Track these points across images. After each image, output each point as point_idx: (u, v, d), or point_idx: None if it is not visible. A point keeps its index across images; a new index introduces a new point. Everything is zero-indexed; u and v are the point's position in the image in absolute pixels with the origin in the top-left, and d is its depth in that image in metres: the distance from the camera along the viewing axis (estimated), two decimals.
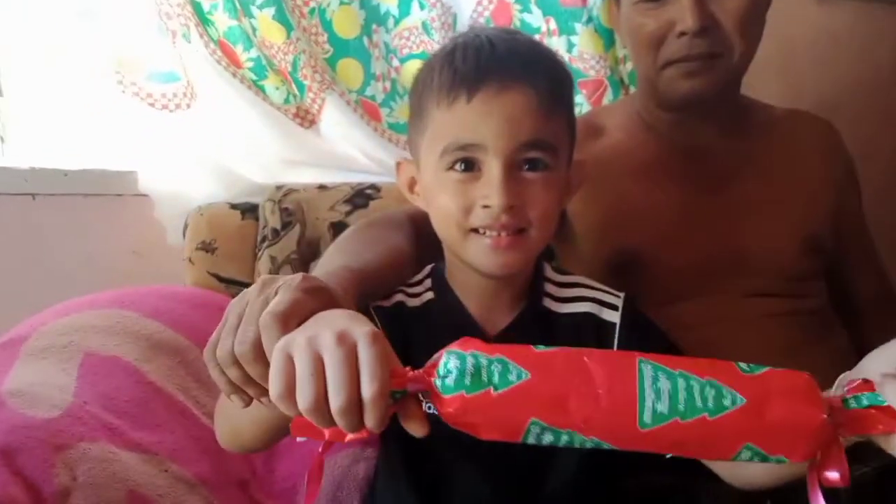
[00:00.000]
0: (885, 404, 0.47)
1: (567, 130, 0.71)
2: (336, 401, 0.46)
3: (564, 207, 0.76)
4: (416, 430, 0.50)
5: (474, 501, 0.72)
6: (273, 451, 0.90)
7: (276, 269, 1.12)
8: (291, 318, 0.52)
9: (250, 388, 0.54)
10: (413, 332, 0.71)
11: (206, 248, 1.15)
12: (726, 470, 0.69)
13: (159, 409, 0.84)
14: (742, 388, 0.48)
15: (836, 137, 1.04)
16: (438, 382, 0.49)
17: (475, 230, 0.67)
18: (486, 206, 0.65)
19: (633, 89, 1.30)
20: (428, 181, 0.70)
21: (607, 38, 1.27)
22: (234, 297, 1.16)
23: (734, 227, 0.93)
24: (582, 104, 1.28)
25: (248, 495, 0.85)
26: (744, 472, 0.68)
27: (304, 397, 0.47)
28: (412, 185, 0.75)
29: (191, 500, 0.76)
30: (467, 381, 0.48)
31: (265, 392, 0.53)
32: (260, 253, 1.15)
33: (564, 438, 0.48)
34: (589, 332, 0.73)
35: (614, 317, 0.74)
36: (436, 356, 0.51)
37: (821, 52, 1.45)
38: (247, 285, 1.11)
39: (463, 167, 0.66)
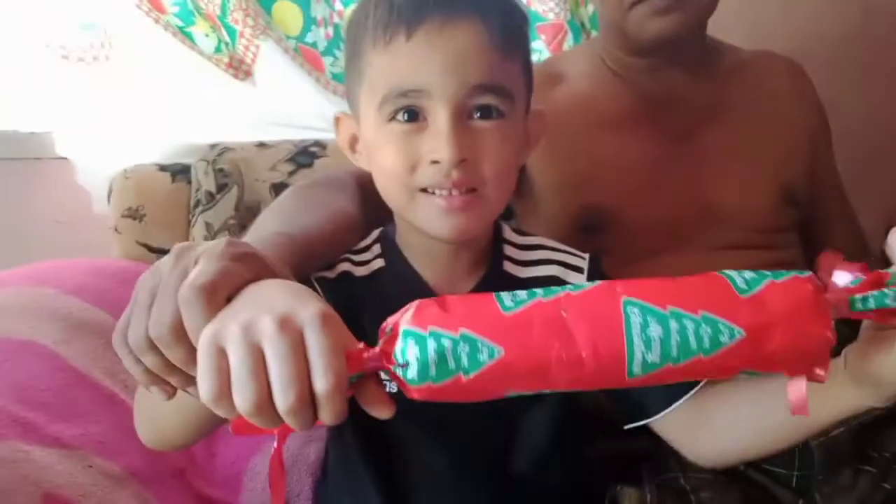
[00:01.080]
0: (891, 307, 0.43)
1: (523, 75, 0.63)
2: (283, 401, 0.39)
3: (523, 163, 0.69)
4: (381, 412, 0.43)
5: (439, 485, 0.67)
6: (213, 437, 0.83)
7: (212, 237, 1.03)
8: (219, 291, 0.43)
9: (172, 376, 0.46)
10: (362, 305, 0.63)
11: (134, 215, 1.05)
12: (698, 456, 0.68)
13: (82, 398, 0.76)
14: (739, 317, 0.42)
15: (807, 80, 1.00)
16: (400, 372, 0.42)
17: (424, 190, 0.59)
18: (434, 162, 0.57)
19: (594, 34, 1.23)
20: (368, 136, 0.62)
21: None
22: None
23: (706, 178, 0.89)
24: (541, 51, 1.20)
25: (186, 485, 0.78)
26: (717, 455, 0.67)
27: (244, 399, 0.39)
28: (353, 142, 0.66)
29: (120, 496, 0.69)
30: (432, 371, 0.41)
31: (191, 380, 0.45)
32: (194, 219, 1.06)
33: (545, 394, 0.44)
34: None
35: (580, 280, 0.68)
36: (389, 323, 0.44)
37: None
38: None
39: (406, 117, 0.58)
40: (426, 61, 0.57)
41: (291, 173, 1.08)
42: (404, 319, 0.43)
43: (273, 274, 0.48)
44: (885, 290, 0.44)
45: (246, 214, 1.05)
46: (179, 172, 1.10)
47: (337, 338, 0.41)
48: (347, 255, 0.68)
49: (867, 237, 1.06)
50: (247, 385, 0.39)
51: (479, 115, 0.58)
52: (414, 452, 0.66)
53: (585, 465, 0.75)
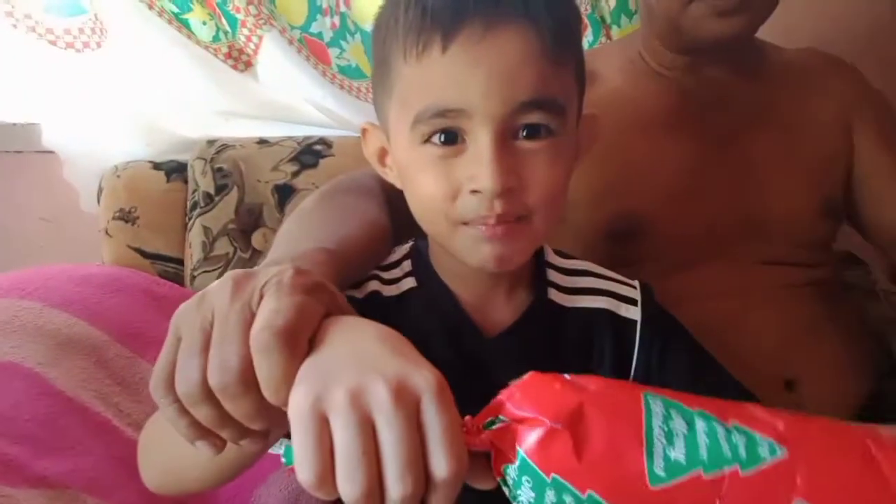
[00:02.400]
0: None
1: (576, 82, 0.56)
2: (398, 489, 0.33)
3: (574, 171, 0.61)
4: (485, 484, 0.38)
5: None
6: None
7: (210, 242, 0.96)
8: (301, 334, 0.38)
9: (226, 429, 0.39)
10: (393, 327, 0.58)
11: (126, 217, 0.98)
12: None
13: (71, 426, 0.70)
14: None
15: (852, 71, 0.94)
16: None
17: (465, 224, 0.52)
18: (474, 191, 0.50)
19: (615, 30, 1.16)
20: (401, 157, 0.55)
21: None
22: (162, 276, 1.03)
23: (750, 187, 0.83)
24: None
25: None
26: None
27: (354, 485, 0.33)
28: (382, 156, 0.59)
29: None
30: None
31: (246, 433, 0.39)
32: (191, 222, 0.99)
33: None
34: (606, 331, 0.61)
35: (634, 313, 0.62)
36: (506, 405, 0.37)
37: None
38: (177, 261, 1.00)
39: (443, 139, 0.51)
40: (466, 77, 0.49)
41: (295, 174, 1.01)
42: (526, 443, 0.35)
43: (343, 308, 0.43)
44: None
45: (247, 218, 0.99)
46: (175, 171, 1.04)
47: (456, 413, 0.35)
48: (376, 272, 0.61)
49: None
50: (358, 470, 0.33)
51: (525, 133, 0.51)
52: None
53: None
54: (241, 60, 1.07)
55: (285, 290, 0.39)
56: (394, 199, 0.67)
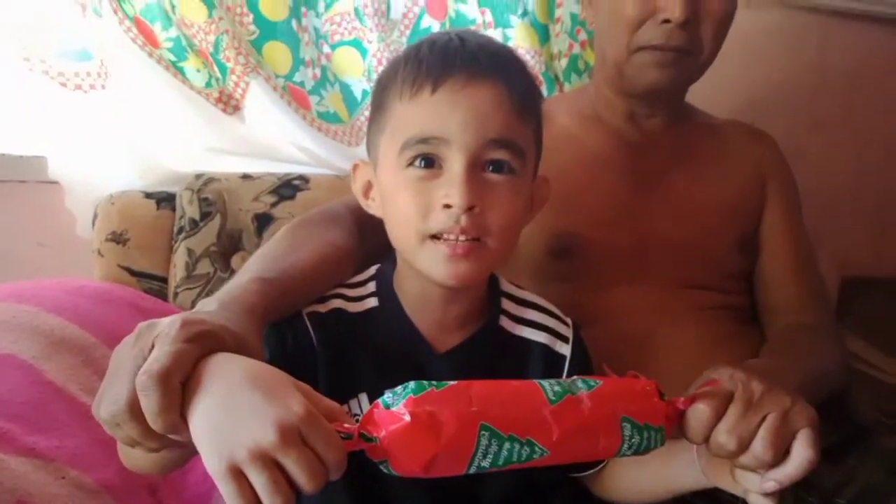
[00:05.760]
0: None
1: (535, 140, 0.68)
2: (309, 488, 0.45)
3: (526, 225, 0.72)
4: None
5: None
6: None
7: (193, 263, 1.06)
8: (173, 376, 0.47)
9: (147, 442, 0.49)
10: (353, 342, 0.67)
11: (117, 239, 1.08)
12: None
13: (59, 412, 0.78)
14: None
15: (770, 144, 1.06)
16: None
17: (433, 237, 0.62)
18: (446, 206, 0.60)
19: (566, 86, 1.30)
20: (385, 182, 0.65)
21: (542, 33, 1.26)
22: (147, 292, 1.12)
23: (669, 218, 0.95)
24: None
25: (157, 501, 0.80)
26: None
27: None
28: (367, 189, 0.70)
29: None
30: (412, 385, 0.51)
31: (166, 443, 0.49)
32: (176, 245, 1.09)
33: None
34: (540, 362, 0.72)
35: (565, 350, 0.73)
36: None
37: (751, 55, 1.48)
38: (162, 279, 1.10)
39: (423, 163, 0.62)
40: (448, 113, 0.61)
41: (273, 204, 1.12)
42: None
43: (226, 347, 0.52)
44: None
45: (227, 242, 1.08)
46: (164, 200, 1.14)
47: (326, 425, 0.46)
48: (341, 291, 0.70)
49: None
50: (276, 496, 0.44)
51: (491, 168, 0.62)
52: (393, 490, 0.69)
53: (541, 498, 0.79)
54: (229, 104, 1.19)
55: (167, 341, 0.49)
56: (364, 228, 0.77)
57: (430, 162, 0.62)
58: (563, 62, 1.29)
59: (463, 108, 0.61)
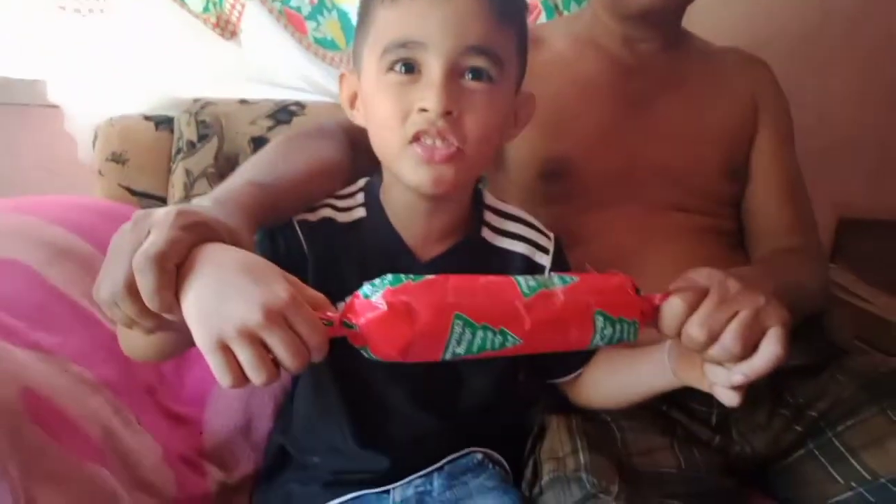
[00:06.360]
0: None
1: (517, 50, 0.69)
2: (292, 367, 0.49)
3: (508, 140, 0.74)
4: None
5: (400, 415, 0.74)
6: (184, 357, 0.88)
7: (191, 183, 1.08)
8: (168, 259, 0.50)
9: (143, 321, 0.52)
10: (342, 250, 0.70)
11: (117, 159, 1.10)
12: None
13: (62, 314, 0.81)
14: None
15: (767, 73, 1.06)
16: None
17: (412, 141, 0.63)
18: (422, 110, 0.62)
19: (566, 13, 1.29)
20: (368, 88, 0.67)
21: None
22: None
23: (658, 141, 0.96)
24: None
25: (155, 401, 0.83)
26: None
27: (260, 380, 0.48)
28: (353, 99, 0.72)
29: (94, 400, 0.74)
30: (389, 277, 0.55)
31: (161, 323, 0.52)
32: (174, 166, 1.11)
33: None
34: (519, 271, 0.74)
35: (545, 260, 0.76)
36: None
37: None
38: (161, 199, 1.13)
39: (403, 69, 0.63)
40: (427, 17, 0.62)
41: (270, 128, 1.13)
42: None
43: (220, 238, 0.54)
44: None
45: (224, 164, 1.10)
46: (163, 122, 1.16)
47: (309, 310, 0.50)
48: (331, 201, 0.73)
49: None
50: (260, 371, 0.48)
51: (471, 76, 0.64)
52: (380, 389, 0.73)
53: (522, 405, 0.84)
54: (227, 29, 1.20)
55: (163, 227, 0.51)
56: (358, 144, 0.79)
57: (410, 67, 0.63)
58: None
59: (442, 12, 0.62)
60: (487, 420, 0.78)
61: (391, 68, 0.64)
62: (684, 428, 0.82)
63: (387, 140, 0.66)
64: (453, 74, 0.63)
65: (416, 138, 0.63)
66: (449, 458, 0.76)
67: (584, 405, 0.79)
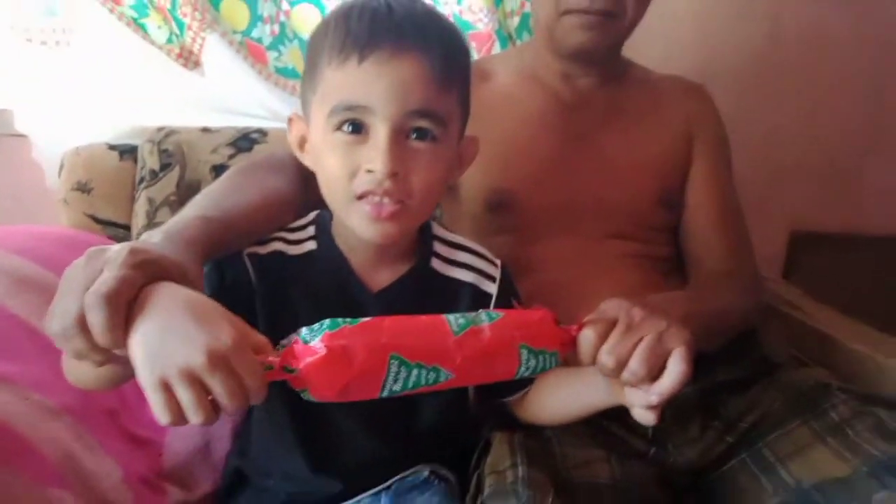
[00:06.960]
0: None
1: (459, 105, 0.71)
2: (230, 408, 0.51)
3: (453, 181, 0.77)
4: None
5: (353, 442, 0.77)
6: None
7: (153, 212, 1.11)
8: (119, 297, 0.51)
9: (93, 355, 0.54)
10: (292, 283, 0.72)
11: (83, 188, 1.13)
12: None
13: (23, 343, 0.83)
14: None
15: (705, 101, 1.10)
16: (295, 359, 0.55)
17: (359, 197, 0.66)
18: (369, 171, 0.65)
19: (519, 43, 1.34)
20: (316, 141, 0.69)
21: None
22: (111, 238, 1.18)
23: (598, 174, 1.00)
24: (472, 56, 1.30)
25: (117, 424, 0.86)
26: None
27: (199, 420, 0.50)
28: (302, 143, 0.74)
29: (55, 425, 0.76)
30: (327, 322, 0.57)
31: (110, 357, 0.54)
32: (137, 194, 1.14)
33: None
34: (467, 300, 0.77)
35: (492, 288, 0.79)
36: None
37: (702, 21, 1.52)
38: (125, 227, 1.16)
39: (350, 129, 0.66)
40: (373, 84, 0.64)
41: (231, 156, 1.16)
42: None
43: (170, 276, 0.56)
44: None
45: (186, 192, 1.13)
46: (127, 152, 1.18)
47: (251, 355, 0.52)
48: (281, 234, 0.75)
49: (769, 248, 1.12)
50: (199, 412, 0.50)
51: (415, 136, 0.67)
52: (333, 418, 0.76)
53: (471, 424, 0.87)
54: (190, 60, 1.23)
55: (115, 266, 0.53)
56: (307, 174, 0.80)
57: (357, 127, 0.66)
58: (516, 20, 1.33)
59: (387, 80, 0.64)
60: (439, 441, 0.81)
61: (339, 128, 0.66)
62: (622, 441, 0.86)
63: (336, 193, 0.69)
64: (398, 136, 0.65)
65: (363, 195, 0.66)
66: (398, 476, 0.79)
67: (531, 422, 0.83)
